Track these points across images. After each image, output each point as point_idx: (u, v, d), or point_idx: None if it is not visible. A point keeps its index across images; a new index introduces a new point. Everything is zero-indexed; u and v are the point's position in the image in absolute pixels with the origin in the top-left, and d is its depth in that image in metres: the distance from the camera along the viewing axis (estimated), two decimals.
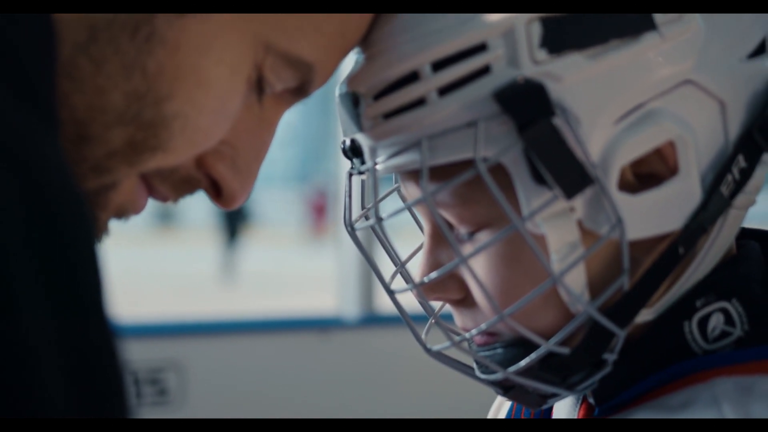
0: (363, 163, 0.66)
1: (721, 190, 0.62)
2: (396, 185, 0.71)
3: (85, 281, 0.39)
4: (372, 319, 2.80)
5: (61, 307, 0.37)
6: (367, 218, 0.71)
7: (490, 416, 0.85)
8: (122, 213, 0.59)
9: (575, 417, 0.70)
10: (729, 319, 0.64)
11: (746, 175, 0.63)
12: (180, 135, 0.56)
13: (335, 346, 2.76)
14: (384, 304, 2.87)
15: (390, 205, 0.71)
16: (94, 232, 0.41)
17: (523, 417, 0.79)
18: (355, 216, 0.69)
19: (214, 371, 2.64)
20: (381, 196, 0.70)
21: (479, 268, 0.63)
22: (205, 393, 2.61)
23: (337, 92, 0.66)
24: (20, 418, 0.35)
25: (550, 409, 0.75)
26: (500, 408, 0.83)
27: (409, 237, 0.73)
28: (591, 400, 0.68)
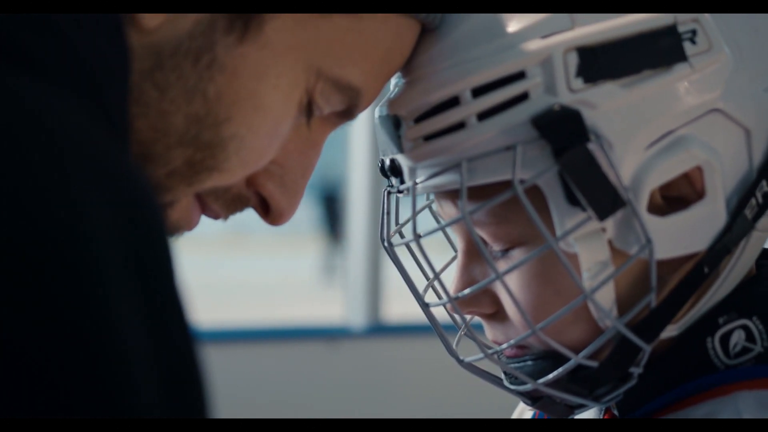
0: (402, 182, 0.69)
1: (745, 213, 0.65)
2: (427, 203, 0.75)
3: (172, 289, 0.41)
4: (379, 329, 2.83)
5: (154, 315, 0.40)
6: (401, 234, 0.74)
7: None
8: (176, 230, 0.62)
9: None
10: (750, 336, 0.67)
11: None
12: (235, 156, 0.60)
13: (342, 355, 2.79)
14: (390, 313, 2.90)
15: (420, 221, 0.74)
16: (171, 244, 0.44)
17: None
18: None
19: (223, 380, 2.67)
20: (411, 214, 0.73)
21: (512, 285, 0.66)
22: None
23: (376, 114, 0.70)
24: (119, 419, 0.37)
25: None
26: (522, 415, 0.86)
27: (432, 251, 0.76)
28: (615, 411, 0.71)
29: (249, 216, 0.67)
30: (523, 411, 0.86)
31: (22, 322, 0.37)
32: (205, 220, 0.65)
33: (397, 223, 0.74)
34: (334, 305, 2.96)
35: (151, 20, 0.55)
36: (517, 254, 0.67)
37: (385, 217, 0.71)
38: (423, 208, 0.74)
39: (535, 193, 0.64)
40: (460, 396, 2.83)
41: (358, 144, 2.91)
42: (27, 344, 0.37)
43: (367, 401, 2.79)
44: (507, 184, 0.63)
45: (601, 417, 0.73)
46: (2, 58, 0.43)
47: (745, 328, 0.67)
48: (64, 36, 0.46)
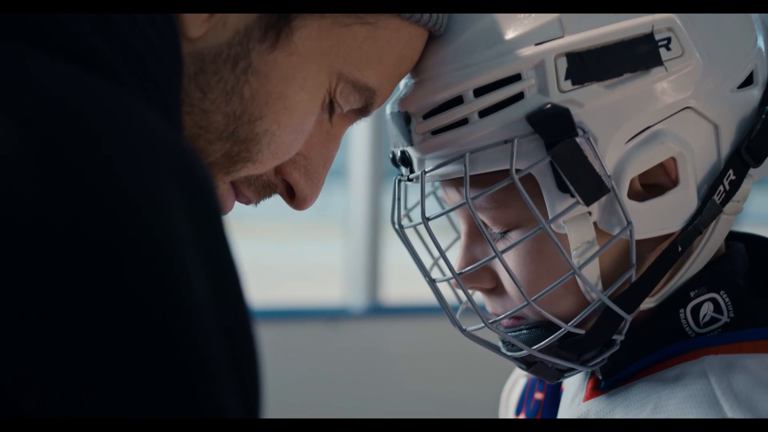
0: (412, 171, 0.77)
1: (714, 198, 0.73)
2: (432, 190, 0.83)
3: (235, 273, 0.45)
4: (378, 310, 2.89)
5: (222, 300, 0.43)
6: (409, 218, 0.82)
7: (503, 396, 0.95)
8: None
9: (584, 389, 0.81)
10: (717, 308, 0.75)
11: (735, 186, 0.74)
12: (267, 148, 0.67)
13: (342, 336, 2.84)
14: (388, 295, 2.96)
15: (421, 207, 0.82)
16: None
17: (536, 395, 0.89)
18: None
19: None
20: (417, 200, 0.81)
21: (510, 262, 0.74)
22: None
23: (388, 110, 0.78)
24: (202, 405, 0.40)
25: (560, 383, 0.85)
26: (513, 389, 0.94)
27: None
28: (599, 375, 0.79)
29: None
30: (515, 384, 0.93)
31: (102, 302, 0.39)
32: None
33: (405, 207, 0.81)
34: (333, 287, 3.02)
35: (196, 30, 0.62)
36: (513, 235, 0.75)
37: (396, 202, 0.79)
38: (428, 195, 0.82)
39: (529, 181, 0.71)
40: (456, 376, 2.90)
41: (358, 134, 2.96)
42: (108, 329, 0.39)
43: (366, 381, 2.84)
44: (505, 173, 0.70)
45: (586, 380, 0.81)
46: (81, 62, 0.49)
47: (713, 300, 0.75)
48: (132, 46, 0.52)
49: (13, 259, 0.38)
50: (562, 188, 0.71)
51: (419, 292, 3.36)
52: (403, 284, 3.23)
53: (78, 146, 0.41)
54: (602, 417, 0.77)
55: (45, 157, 0.40)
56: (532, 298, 0.72)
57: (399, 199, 0.79)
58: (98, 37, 0.50)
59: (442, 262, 0.82)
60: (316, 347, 2.81)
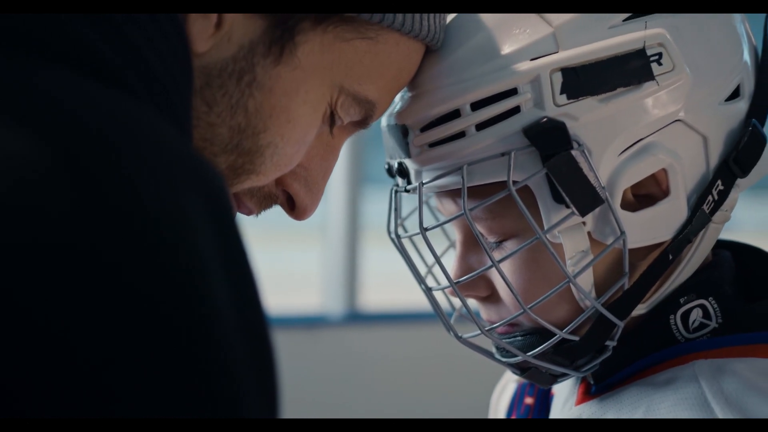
0: (409, 182, 0.79)
1: (704, 208, 0.75)
2: (423, 202, 0.84)
3: (253, 280, 0.47)
4: (356, 317, 2.90)
5: (242, 307, 0.45)
6: (404, 228, 0.84)
7: (492, 401, 0.96)
8: None
9: (576, 393, 0.83)
10: (706, 314, 0.77)
11: (723, 196, 0.76)
12: (270, 161, 0.69)
13: (320, 343, 2.85)
14: (367, 301, 2.98)
15: (411, 218, 0.83)
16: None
17: (526, 400, 0.91)
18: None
19: None
20: (407, 211, 0.83)
21: (506, 271, 0.75)
22: None
23: (384, 123, 0.79)
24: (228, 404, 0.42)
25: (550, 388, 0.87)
26: (502, 394, 0.95)
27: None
28: (590, 380, 0.81)
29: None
30: (504, 389, 0.95)
31: (136, 307, 0.40)
32: None
33: (400, 218, 0.83)
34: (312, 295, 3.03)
35: (203, 45, 0.63)
36: (509, 245, 0.77)
37: (393, 213, 0.81)
38: (422, 205, 0.83)
39: (525, 192, 0.73)
40: (436, 382, 2.92)
41: None
42: (144, 336, 0.40)
43: (345, 388, 2.85)
44: (501, 185, 0.72)
45: (577, 384, 0.83)
46: (98, 76, 0.50)
47: (702, 307, 0.77)
48: (146, 60, 0.53)
49: (50, 282, 0.39)
50: (558, 199, 0.72)
51: (398, 299, 3.37)
52: (382, 291, 3.25)
53: (104, 167, 0.43)
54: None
55: (75, 180, 0.41)
56: (529, 306, 0.74)
57: (396, 209, 0.81)
58: (113, 50, 0.51)
59: (435, 270, 0.84)
60: (295, 354, 2.82)
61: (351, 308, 2.90)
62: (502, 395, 0.95)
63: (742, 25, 0.79)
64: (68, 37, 0.50)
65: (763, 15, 0.81)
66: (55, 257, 0.40)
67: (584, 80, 0.71)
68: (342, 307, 2.90)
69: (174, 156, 0.46)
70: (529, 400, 0.90)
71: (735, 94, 0.77)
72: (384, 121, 0.79)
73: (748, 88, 0.77)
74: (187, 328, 0.42)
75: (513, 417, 0.91)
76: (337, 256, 2.87)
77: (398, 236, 0.81)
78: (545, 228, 0.73)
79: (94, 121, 0.44)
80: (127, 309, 0.40)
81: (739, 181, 0.77)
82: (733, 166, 0.76)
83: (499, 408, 0.94)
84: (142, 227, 0.42)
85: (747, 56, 0.78)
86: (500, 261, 0.74)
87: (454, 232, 0.83)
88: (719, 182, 0.76)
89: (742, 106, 0.77)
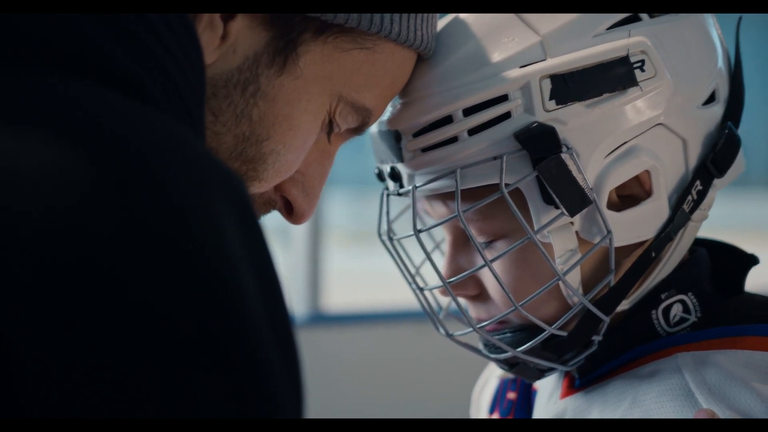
0: (401, 186, 0.81)
1: (684, 207, 0.79)
2: (410, 204, 0.86)
3: (279, 283, 0.49)
4: (320, 318, 2.91)
5: (271, 309, 0.47)
6: (392, 230, 0.86)
7: (474, 397, 0.99)
8: None
9: (560, 387, 0.85)
10: (686, 308, 0.81)
11: (702, 195, 0.79)
12: (272, 167, 0.71)
13: None
14: (330, 303, 2.99)
15: (402, 221, 0.86)
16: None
17: (509, 395, 0.94)
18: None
19: None
20: (397, 213, 0.85)
21: (496, 270, 0.79)
22: None
23: (375, 129, 0.81)
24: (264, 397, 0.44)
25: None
26: (484, 389, 0.97)
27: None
28: (574, 374, 0.84)
29: None
30: (485, 385, 0.97)
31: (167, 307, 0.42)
32: None
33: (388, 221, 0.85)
34: None
35: (210, 56, 0.65)
36: (499, 245, 0.79)
37: (385, 216, 0.83)
38: (407, 208, 0.86)
39: (515, 193, 0.76)
40: (401, 383, 2.94)
41: None
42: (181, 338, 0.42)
43: (310, 390, 2.85)
44: (493, 187, 0.75)
45: (561, 378, 0.85)
46: (126, 90, 0.51)
47: (682, 302, 0.81)
48: (169, 73, 0.54)
49: (96, 294, 0.41)
50: (548, 201, 0.75)
51: (361, 300, 3.38)
52: (345, 292, 3.26)
53: (142, 182, 0.44)
54: (580, 413, 0.82)
55: (120, 198, 0.43)
56: (520, 303, 0.76)
57: (388, 213, 0.83)
58: (136, 62, 0.53)
59: (422, 271, 0.87)
60: None
61: (314, 309, 2.92)
62: (483, 391, 0.97)
63: (715, 31, 0.82)
64: (92, 51, 0.52)
65: (734, 20, 0.85)
66: (106, 273, 0.41)
67: (572, 86, 0.74)
68: (305, 308, 2.91)
69: (206, 168, 0.48)
70: (511, 395, 0.92)
71: (711, 99, 0.80)
72: (375, 127, 0.81)
73: (723, 93, 0.81)
74: (227, 333, 0.43)
75: (496, 412, 0.93)
76: (300, 258, 2.88)
77: (390, 238, 0.83)
78: (536, 228, 0.76)
79: (126, 134, 0.46)
80: (173, 319, 0.42)
81: (716, 181, 0.80)
82: (710, 167, 0.79)
83: (481, 403, 0.96)
84: (183, 241, 0.44)
85: (721, 62, 0.81)
86: (493, 261, 0.76)
87: (440, 233, 0.86)
88: (698, 182, 0.79)
89: (717, 110, 0.80)
